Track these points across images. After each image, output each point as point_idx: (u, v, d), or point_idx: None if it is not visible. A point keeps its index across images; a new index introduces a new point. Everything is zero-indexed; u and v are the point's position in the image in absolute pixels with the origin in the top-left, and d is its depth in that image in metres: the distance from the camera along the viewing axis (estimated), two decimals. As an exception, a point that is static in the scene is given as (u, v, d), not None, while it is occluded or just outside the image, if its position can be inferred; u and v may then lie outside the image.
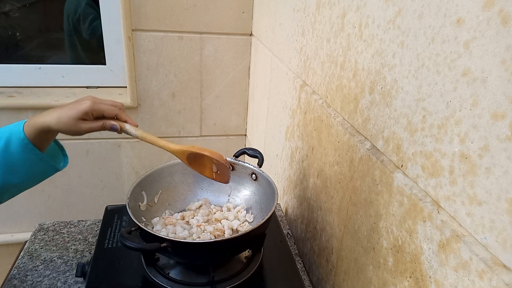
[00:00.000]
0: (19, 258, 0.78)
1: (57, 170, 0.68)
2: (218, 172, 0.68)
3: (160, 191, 0.78)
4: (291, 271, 0.73)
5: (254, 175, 0.79)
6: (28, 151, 0.60)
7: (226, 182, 0.70)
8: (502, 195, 0.33)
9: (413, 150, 0.46)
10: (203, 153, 0.66)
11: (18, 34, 1.53)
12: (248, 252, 0.74)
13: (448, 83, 0.40)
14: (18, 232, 1.46)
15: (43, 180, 0.67)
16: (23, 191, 0.65)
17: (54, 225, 0.88)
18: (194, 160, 0.68)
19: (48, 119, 0.61)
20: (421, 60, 0.44)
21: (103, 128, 0.64)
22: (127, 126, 0.65)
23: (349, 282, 0.63)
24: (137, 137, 0.66)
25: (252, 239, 0.69)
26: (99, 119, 0.64)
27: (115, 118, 0.66)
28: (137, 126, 0.66)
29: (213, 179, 0.69)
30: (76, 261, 0.77)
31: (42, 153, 0.62)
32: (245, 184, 0.81)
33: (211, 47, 1.37)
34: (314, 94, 0.78)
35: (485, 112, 0.35)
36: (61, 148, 0.73)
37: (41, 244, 0.82)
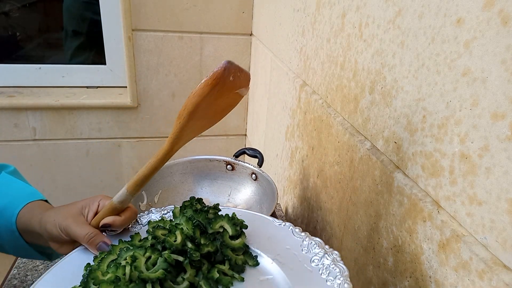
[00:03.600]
0: (19, 258, 0.78)
1: (47, 259, 0.59)
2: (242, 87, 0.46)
3: (160, 191, 0.78)
4: (291, 271, 0.72)
5: (254, 175, 0.79)
6: (14, 237, 0.53)
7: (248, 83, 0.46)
8: (502, 195, 0.33)
9: (413, 150, 0.46)
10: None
11: (18, 34, 1.53)
12: (248, 252, 0.73)
13: (448, 83, 0.40)
14: (18, 232, 1.45)
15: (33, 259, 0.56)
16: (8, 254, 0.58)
17: (54, 225, 0.88)
18: (204, 116, 0.46)
19: (44, 232, 0.50)
20: (421, 60, 0.44)
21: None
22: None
23: (349, 282, 0.63)
24: (131, 195, 0.49)
25: (252, 239, 0.68)
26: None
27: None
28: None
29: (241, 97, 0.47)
30: (76, 261, 0.77)
31: (29, 245, 0.54)
32: (245, 184, 0.81)
33: (211, 47, 1.37)
34: (314, 94, 0.78)
35: (485, 112, 0.35)
36: None
37: (41, 244, 0.82)
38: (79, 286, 0.38)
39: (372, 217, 0.55)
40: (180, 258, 0.40)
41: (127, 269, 0.37)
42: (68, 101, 1.31)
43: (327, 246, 0.43)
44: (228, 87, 0.42)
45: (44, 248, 0.57)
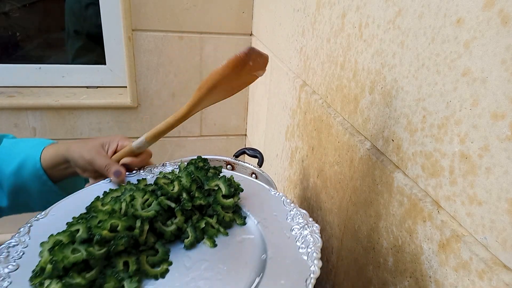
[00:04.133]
0: (19, 258, 0.78)
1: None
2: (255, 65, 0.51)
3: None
4: (291, 271, 0.72)
5: (254, 175, 0.79)
6: (41, 182, 0.57)
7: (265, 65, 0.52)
8: (502, 195, 0.33)
9: (413, 150, 0.46)
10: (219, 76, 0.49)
11: (18, 34, 1.53)
12: (248, 252, 0.73)
13: (448, 83, 0.40)
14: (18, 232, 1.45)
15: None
16: (35, 211, 0.61)
17: (54, 225, 0.88)
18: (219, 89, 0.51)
19: (77, 160, 0.56)
20: (421, 60, 0.44)
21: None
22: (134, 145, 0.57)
23: (349, 282, 0.63)
24: (148, 143, 0.58)
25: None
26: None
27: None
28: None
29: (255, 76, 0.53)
30: (76, 261, 0.77)
31: (56, 186, 0.58)
32: (245, 184, 0.81)
33: (211, 47, 1.37)
34: (314, 94, 0.78)
35: (485, 112, 0.35)
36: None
37: (41, 244, 0.82)
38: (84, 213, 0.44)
39: (372, 217, 0.55)
40: (172, 205, 0.45)
41: (123, 205, 0.43)
42: (68, 101, 1.31)
43: (310, 219, 0.47)
44: (247, 70, 0.49)
45: (70, 186, 0.62)
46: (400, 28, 0.48)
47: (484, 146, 0.35)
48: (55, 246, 0.38)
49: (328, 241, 0.71)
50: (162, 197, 0.45)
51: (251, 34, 1.38)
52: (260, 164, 0.78)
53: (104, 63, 1.38)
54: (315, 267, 0.40)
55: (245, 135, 1.56)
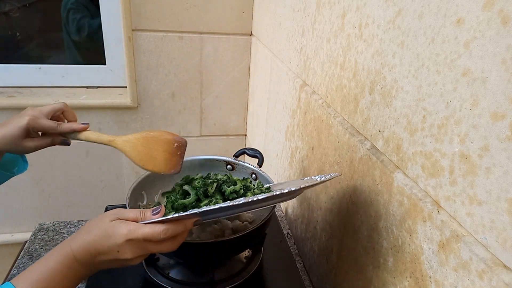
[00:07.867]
0: (19, 258, 0.78)
1: (11, 176, 0.66)
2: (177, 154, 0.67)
3: (160, 191, 0.78)
4: (291, 271, 0.73)
5: (254, 175, 0.79)
6: None
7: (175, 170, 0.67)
8: (502, 195, 0.33)
9: (413, 150, 0.46)
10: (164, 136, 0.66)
11: (18, 34, 1.53)
12: (248, 252, 0.74)
13: (448, 83, 0.40)
14: (18, 232, 1.45)
15: None
16: None
17: (54, 225, 0.88)
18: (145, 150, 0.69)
19: None
20: (421, 60, 0.44)
21: (53, 144, 0.62)
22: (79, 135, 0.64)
23: (349, 282, 0.63)
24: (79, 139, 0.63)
25: (252, 239, 0.69)
26: (47, 135, 0.61)
27: (66, 121, 0.65)
28: (87, 127, 0.63)
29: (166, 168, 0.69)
30: (76, 261, 0.77)
31: None
32: (245, 184, 0.81)
33: (211, 47, 1.37)
34: (314, 94, 0.78)
35: (485, 112, 0.35)
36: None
37: (41, 244, 0.82)
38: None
39: (372, 217, 0.55)
40: (235, 177, 0.73)
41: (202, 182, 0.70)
42: (68, 101, 1.30)
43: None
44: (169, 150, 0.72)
45: (8, 166, 0.65)
46: (400, 28, 0.48)
47: (484, 146, 0.35)
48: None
49: (328, 241, 0.71)
50: (229, 174, 0.71)
51: (251, 34, 1.38)
52: (260, 164, 0.78)
53: (102, 63, 1.38)
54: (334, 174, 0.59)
55: (245, 135, 1.56)
